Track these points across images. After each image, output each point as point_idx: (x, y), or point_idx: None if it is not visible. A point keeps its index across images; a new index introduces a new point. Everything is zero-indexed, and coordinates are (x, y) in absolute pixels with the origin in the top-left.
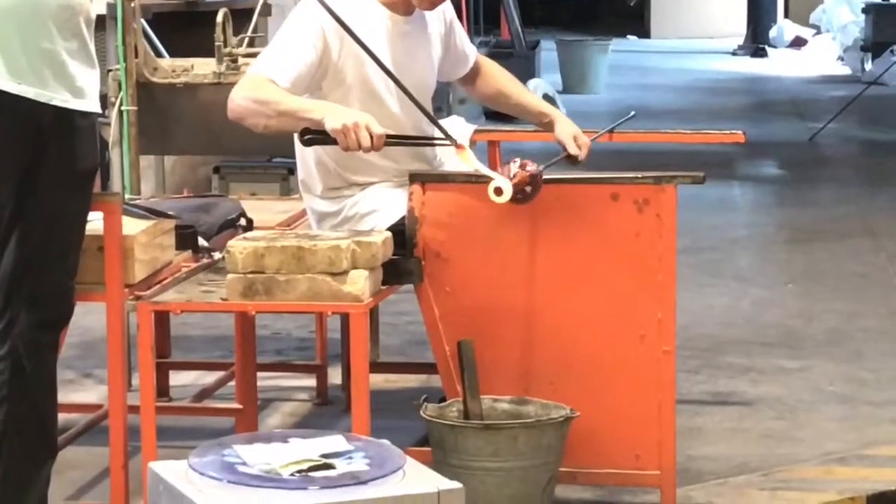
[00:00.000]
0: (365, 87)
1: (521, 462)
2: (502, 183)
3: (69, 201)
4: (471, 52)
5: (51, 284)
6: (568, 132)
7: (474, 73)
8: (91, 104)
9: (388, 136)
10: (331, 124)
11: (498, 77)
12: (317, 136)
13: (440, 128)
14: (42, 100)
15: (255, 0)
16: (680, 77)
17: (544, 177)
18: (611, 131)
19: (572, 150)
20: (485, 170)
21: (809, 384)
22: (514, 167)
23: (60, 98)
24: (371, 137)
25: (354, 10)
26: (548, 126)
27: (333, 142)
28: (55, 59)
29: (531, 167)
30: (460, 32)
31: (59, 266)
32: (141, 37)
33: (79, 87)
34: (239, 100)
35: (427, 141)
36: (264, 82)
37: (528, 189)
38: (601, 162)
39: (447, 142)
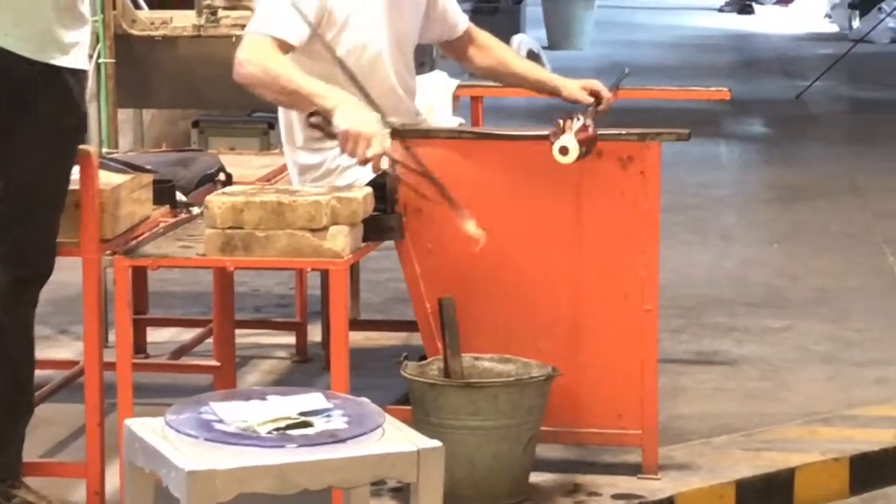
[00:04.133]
0: (352, 35)
1: (502, 421)
2: (567, 141)
3: (52, 158)
4: (461, 21)
5: (31, 241)
6: (576, 89)
7: (467, 44)
8: (78, 61)
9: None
10: (339, 121)
11: (495, 48)
12: (322, 122)
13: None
14: (26, 54)
15: None
16: (666, 33)
17: (521, 133)
18: (613, 89)
19: (587, 100)
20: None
21: (794, 344)
22: (576, 124)
23: (47, 54)
24: (367, 158)
25: None
26: (553, 91)
27: (334, 136)
28: (43, 15)
29: (590, 126)
30: None
31: (41, 223)
32: None
33: (67, 43)
34: (249, 66)
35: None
36: (273, 48)
37: (592, 137)
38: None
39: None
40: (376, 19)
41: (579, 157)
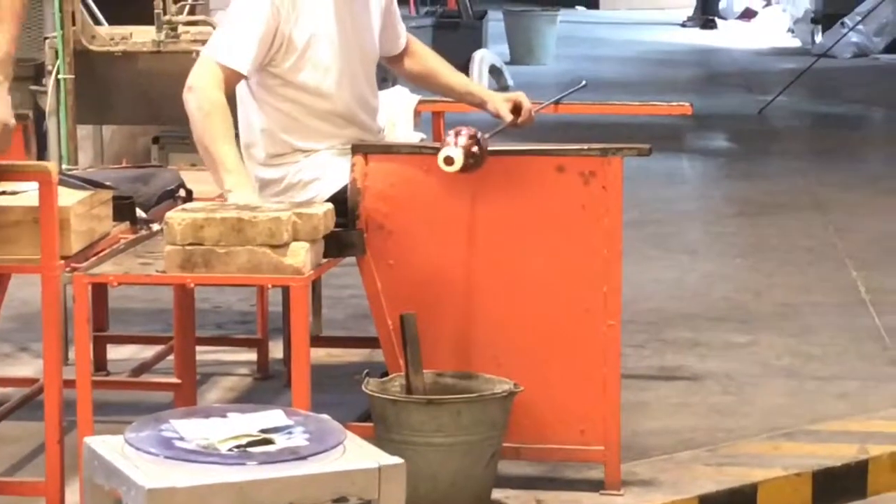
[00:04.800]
0: (311, 55)
1: (465, 437)
2: (452, 151)
3: None
4: (402, 32)
5: None
6: (500, 102)
7: (402, 52)
8: None
9: None
10: (231, 199)
11: (426, 57)
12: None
13: None
14: None
15: None
16: (629, 48)
17: (489, 148)
18: (558, 102)
19: (507, 116)
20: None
21: (757, 359)
22: (461, 138)
23: None
24: None
25: None
26: (479, 105)
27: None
28: None
29: (474, 133)
30: (396, 11)
31: None
32: (79, 4)
33: None
34: (192, 101)
35: None
36: (220, 81)
37: (476, 152)
38: (547, 134)
39: None
40: (337, 41)
41: (465, 168)
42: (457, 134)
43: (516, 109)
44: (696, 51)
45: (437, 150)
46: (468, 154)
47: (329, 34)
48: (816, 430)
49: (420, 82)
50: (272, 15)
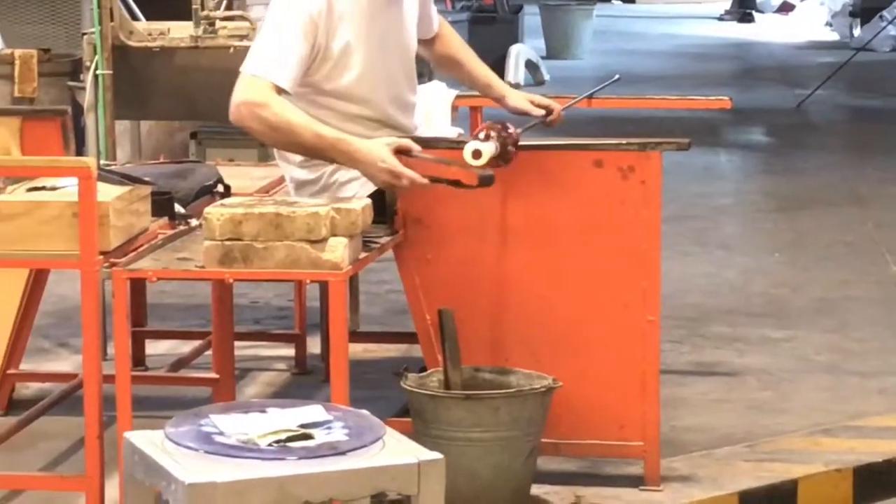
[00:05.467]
0: (346, 59)
1: (503, 433)
2: (479, 145)
3: None
4: (436, 17)
5: None
6: (521, 99)
7: (434, 36)
8: None
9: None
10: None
11: (453, 43)
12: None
13: None
14: None
15: None
16: (665, 42)
17: (522, 143)
18: (591, 96)
19: (533, 111)
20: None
21: (796, 354)
22: (491, 132)
23: None
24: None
25: None
26: (497, 99)
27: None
28: None
29: (504, 127)
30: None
31: None
32: (117, 0)
33: None
34: (247, 115)
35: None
36: (267, 92)
37: (504, 147)
38: (585, 128)
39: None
40: (374, 44)
41: (493, 164)
42: (487, 129)
43: (547, 108)
44: (734, 44)
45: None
46: (498, 148)
47: (365, 38)
48: (857, 425)
49: (444, 67)
50: (311, 30)
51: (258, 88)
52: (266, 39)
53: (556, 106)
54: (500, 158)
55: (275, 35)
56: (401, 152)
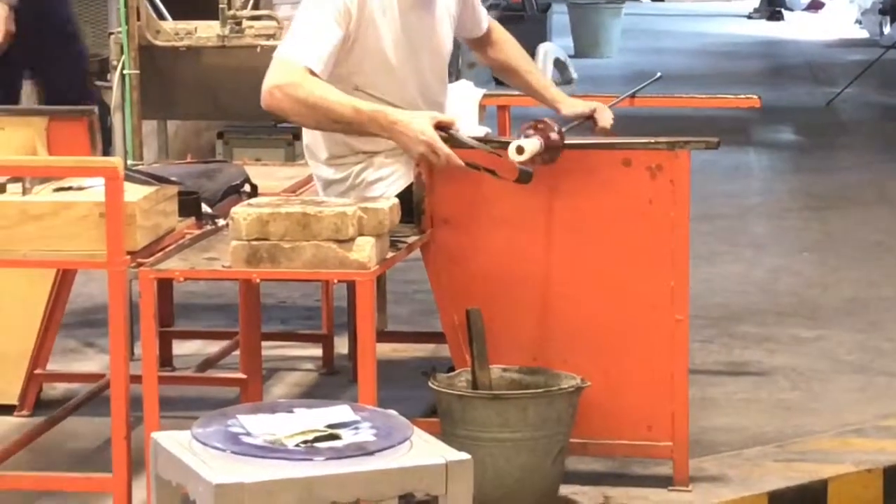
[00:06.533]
0: (377, 55)
1: (531, 433)
2: (523, 141)
3: None
4: (484, 16)
5: None
6: (577, 105)
7: (486, 41)
8: None
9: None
10: (412, 153)
11: (509, 50)
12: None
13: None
14: None
15: None
16: (694, 41)
17: (566, 141)
18: (633, 95)
19: (585, 109)
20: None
21: (825, 354)
22: (535, 130)
23: None
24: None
25: None
26: (551, 106)
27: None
28: None
29: (549, 124)
30: None
31: None
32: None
33: None
34: (282, 97)
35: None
36: (301, 74)
37: (548, 144)
38: (613, 127)
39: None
40: (404, 41)
41: (538, 160)
42: (532, 126)
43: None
44: (763, 42)
45: (503, 143)
46: (542, 145)
47: (395, 34)
48: (887, 425)
49: (501, 73)
50: (344, 17)
51: (291, 70)
52: (298, 25)
53: (600, 106)
54: (546, 154)
55: (307, 20)
56: (441, 128)
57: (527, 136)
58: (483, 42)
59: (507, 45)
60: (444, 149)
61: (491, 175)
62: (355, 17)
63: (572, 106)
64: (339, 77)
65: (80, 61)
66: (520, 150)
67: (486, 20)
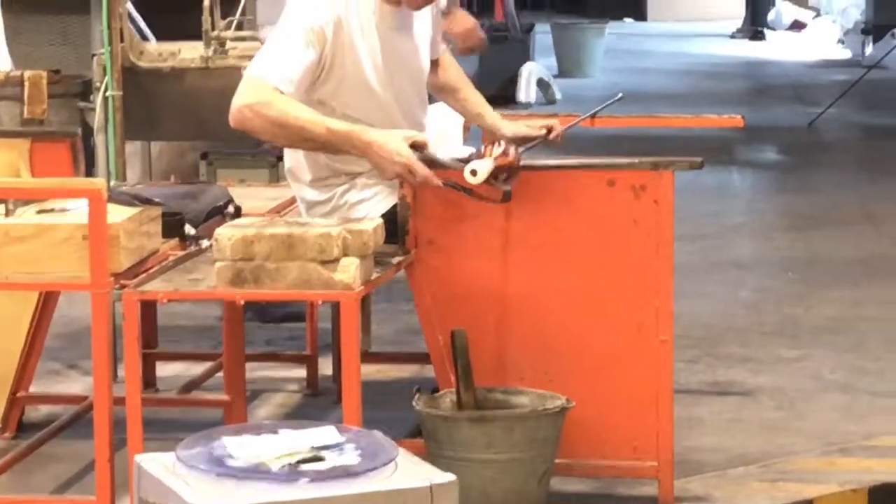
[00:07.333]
0: (357, 78)
1: (517, 454)
2: (477, 164)
3: None
4: (441, 44)
5: None
6: (516, 127)
7: (435, 63)
8: None
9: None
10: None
11: (450, 70)
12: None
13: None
14: None
15: None
16: (677, 61)
17: (531, 163)
18: (593, 115)
19: (535, 133)
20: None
21: (810, 374)
22: (492, 150)
23: None
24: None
25: (346, 2)
26: (490, 129)
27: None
28: None
29: (506, 148)
30: (440, 22)
31: None
32: (127, 20)
33: None
34: (252, 115)
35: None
36: (271, 93)
37: (504, 166)
38: (597, 148)
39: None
40: (383, 62)
41: (492, 181)
42: (486, 149)
43: (547, 127)
44: (745, 63)
45: (464, 165)
46: (494, 167)
47: (374, 56)
48: (872, 445)
49: (440, 94)
50: (318, 39)
51: (260, 89)
52: (271, 45)
53: (557, 124)
54: (502, 175)
55: (279, 41)
56: (415, 148)
57: (478, 159)
58: (433, 64)
59: (450, 67)
60: (422, 169)
61: (468, 195)
62: (330, 40)
63: (512, 127)
64: (319, 102)
65: None
66: (473, 173)
67: (442, 47)
